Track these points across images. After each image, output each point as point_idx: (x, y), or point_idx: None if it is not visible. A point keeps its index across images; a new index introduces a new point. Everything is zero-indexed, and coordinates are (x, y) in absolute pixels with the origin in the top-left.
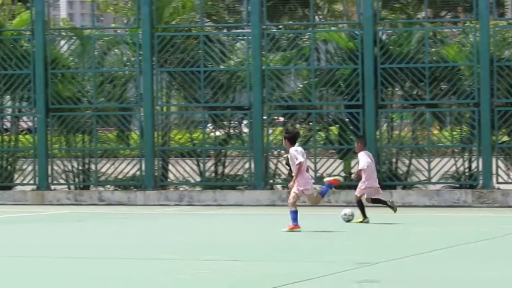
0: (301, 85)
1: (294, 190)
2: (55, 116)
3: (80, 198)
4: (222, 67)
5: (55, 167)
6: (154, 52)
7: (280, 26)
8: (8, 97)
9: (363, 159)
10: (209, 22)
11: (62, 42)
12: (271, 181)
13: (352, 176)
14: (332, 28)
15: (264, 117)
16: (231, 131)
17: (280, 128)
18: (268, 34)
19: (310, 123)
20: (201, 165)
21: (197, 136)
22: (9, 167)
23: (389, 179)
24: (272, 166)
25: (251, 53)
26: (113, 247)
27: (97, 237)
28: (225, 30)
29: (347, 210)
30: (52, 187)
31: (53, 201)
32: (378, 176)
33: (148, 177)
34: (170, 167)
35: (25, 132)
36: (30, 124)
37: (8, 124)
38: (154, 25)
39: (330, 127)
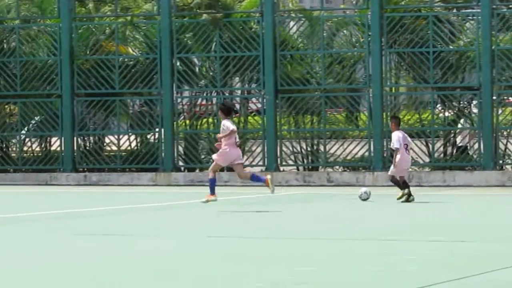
0: None
1: (215, 157)
2: (284, 97)
3: (309, 179)
4: (451, 47)
5: (284, 149)
6: (383, 32)
7: (511, 6)
8: (237, 79)
9: (395, 139)
10: (439, 2)
11: (291, 23)
12: (500, 161)
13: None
14: None
15: (494, 97)
16: (461, 111)
17: (510, 109)
18: (498, 14)
19: None
20: (430, 146)
21: (426, 116)
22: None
23: None
24: (501, 146)
25: (481, 33)
26: (335, 227)
27: (323, 218)
28: (454, 10)
29: (364, 189)
30: (281, 168)
31: (282, 182)
32: None
33: (377, 158)
34: None
35: (254, 113)
36: (259, 105)
37: (237, 106)
38: (383, 5)
39: None
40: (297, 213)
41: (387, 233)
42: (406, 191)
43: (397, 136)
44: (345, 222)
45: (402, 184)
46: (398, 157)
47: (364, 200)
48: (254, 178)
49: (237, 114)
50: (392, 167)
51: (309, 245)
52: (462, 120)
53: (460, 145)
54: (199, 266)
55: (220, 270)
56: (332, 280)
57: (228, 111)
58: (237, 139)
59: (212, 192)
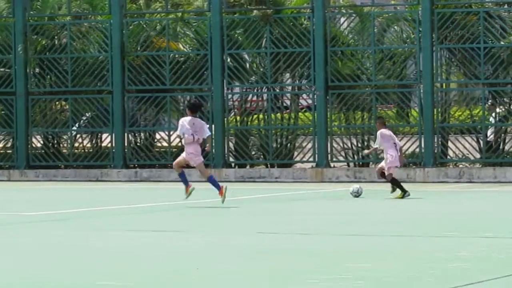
0: None
1: (183, 155)
2: (334, 93)
3: (359, 175)
4: (502, 43)
5: (335, 145)
6: (434, 28)
7: None
8: (287, 75)
9: (378, 138)
10: None
11: (342, 19)
12: None
13: (365, 152)
14: None
15: None
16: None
17: None
18: None
19: None
20: (481, 142)
21: (477, 112)
22: (289, 144)
23: None
24: None
25: None
26: (387, 223)
27: (374, 215)
28: (505, 6)
29: (356, 186)
30: (332, 164)
31: (332, 178)
32: None
33: (428, 154)
34: (449, 144)
35: (304, 109)
36: (309, 101)
37: (287, 102)
38: (434, 1)
39: None
40: (348, 209)
41: (438, 230)
42: (407, 193)
43: (387, 134)
44: (395, 219)
45: (391, 181)
46: (389, 154)
47: (356, 196)
48: (211, 181)
49: (288, 110)
50: (386, 166)
51: (362, 241)
52: (493, 115)
53: (488, 140)
54: (251, 261)
55: (273, 266)
56: (385, 277)
57: (193, 108)
58: (195, 137)
59: (187, 184)
